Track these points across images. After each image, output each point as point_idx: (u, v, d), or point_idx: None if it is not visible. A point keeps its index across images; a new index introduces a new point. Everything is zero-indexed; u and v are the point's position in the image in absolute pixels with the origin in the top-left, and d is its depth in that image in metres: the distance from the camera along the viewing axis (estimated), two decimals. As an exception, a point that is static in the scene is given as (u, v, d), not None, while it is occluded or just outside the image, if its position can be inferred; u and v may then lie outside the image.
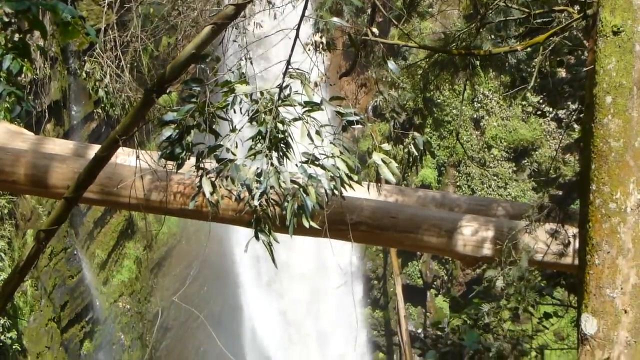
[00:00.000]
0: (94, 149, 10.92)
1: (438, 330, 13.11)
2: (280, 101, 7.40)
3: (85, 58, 26.93)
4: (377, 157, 7.55)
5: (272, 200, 7.38)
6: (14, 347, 25.06)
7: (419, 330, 39.13)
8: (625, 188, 6.74)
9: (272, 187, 7.23)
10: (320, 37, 8.26)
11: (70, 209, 7.96)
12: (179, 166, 7.52)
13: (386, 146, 7.59)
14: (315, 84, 7.51)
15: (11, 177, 10.83)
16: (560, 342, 31.26)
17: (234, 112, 7.52)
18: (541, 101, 35.94)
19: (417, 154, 8.20)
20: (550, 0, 11.03)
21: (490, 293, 11.72)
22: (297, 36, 7.80)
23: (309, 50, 8.10)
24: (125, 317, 32.58)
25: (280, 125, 7.35)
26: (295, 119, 7.44)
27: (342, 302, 38.16)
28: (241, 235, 32.42)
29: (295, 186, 7.38)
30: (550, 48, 9.47)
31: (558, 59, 12.71)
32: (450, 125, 37.27)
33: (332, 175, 7.43)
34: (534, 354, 12.57)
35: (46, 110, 27.81)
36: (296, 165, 7.49)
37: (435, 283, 39.06)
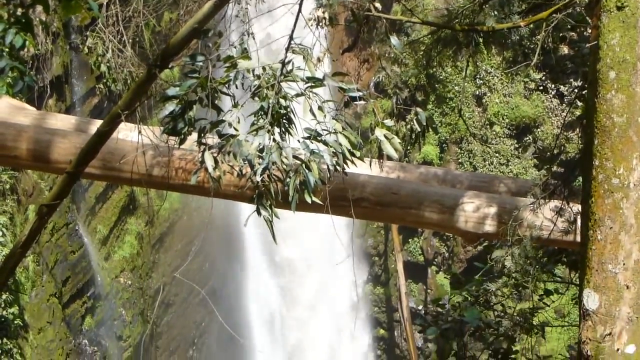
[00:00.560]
0: (96, 124, 10.92)
1: (439, 307, 13.12)
2: (282, 76, 7.38)
3: (87, 33, 26.89)
4: (379, 132, 7.54)
5: (274, 176, 7.37)
6: (15, 322, 25.13)
7: (420, 307, 39.18)
8: (628, 163, 6.73)
9: (274, 162, 7.23)
10: (323, 12, 8.23)
11: (72, 184, 7.97)
12: (181, 141, 7.51)
13: (388, 122, 7.57)
14: (318, 60, 7.48)
15: (13, 152, 10.83)
16: (561, 320, 31.28)
17: (236, 87, 7.50)
18: (544, 78, 35.86)
19: (419, 129, 8.18)
20: (553, -24, 10.99)
21: (492, 271, 11.75)
22: (299, 11, 7.77)
23: (312, 25, 8.07)
24: (126, 293, 32.64)
25: (282, 101, 7.33)
26: (297, 95, 7.43)
27: (344, 278, 38.23)
28: (243, 211, 32.44)
29: (298, 162, 7.37)
30: (553, 24, 9.44)
31: (561, 35, 12.68)
32: (453, 102, 37.20)
33: (335, 151, 7.42)
34: (534, 331, 12.57)
35: (48, 86, 27.79)
36: (298, 141, 7.48)
37: (436, 260, 39.09)
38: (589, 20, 8.03)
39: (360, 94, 7.59)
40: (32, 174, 27.29)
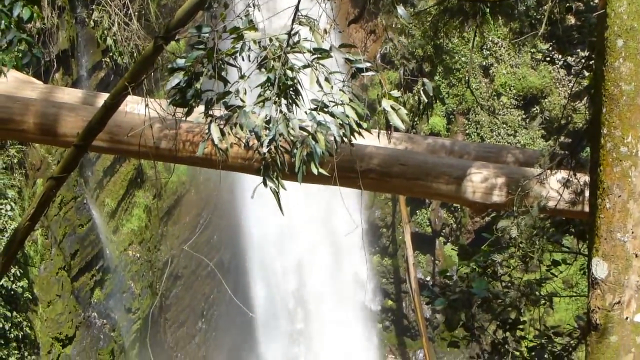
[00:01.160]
0: (103, 97, 10.91)
1: (446, 278, 13.14)
2: (289, 48, 7.37)
3: (93, 7, 26.87)
4: (386, 103, 7.52)
5: (281, 148, 7.37)
6: (24, 295, 25.23)
7: (428, 278, 39.24)
8: (636, 131, 6.72)
9: (281, 134, 7.22)
10: (329, -17, 8.21)
11: (80, 157, 7.98)
12: (188, 113, 7.51)
13: (396, 93, 7.56)
14: (325, 31, 7.45)
15: (21, 126, 10.83)
16: (569, 290, 31.31)
17: (243, 59, 7.49)
18: (550, 48, 35.75)
19: (426, 100, 8.17)
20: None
21: (499, 241, 11.75)
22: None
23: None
24: (135, 266, 32.72)
25: (289, 72, 7.32)
26: (304, 66, 7.41)
27: (351, 249, 38.25)
28: (250, 183, 32.49)
29: (304, 133, 7.36)
30: (560, -6, 9.40)
31: (567, 5, 12.62)
32: (460, 73, 37.11)
33: (342, 122, 7.41)
34: (542, 301, 12.58)
35: (54, 60, 27.78)
36: (305, 112, 7.47)
37: (444, 231, 39.12)
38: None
39: (367, 65, 7.57)
40: (39, 148, 27.32)
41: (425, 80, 8.18)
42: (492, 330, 12.73)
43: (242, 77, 7.40)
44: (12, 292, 24.68)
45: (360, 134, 7.48)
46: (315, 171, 7.33)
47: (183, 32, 8.07)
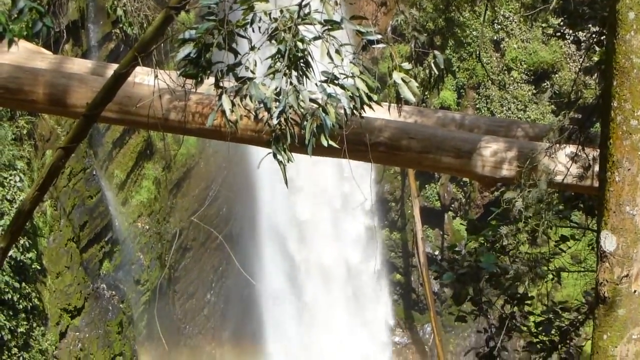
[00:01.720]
0: (113, 68, 10.90)
1: (454, 253, 13.14)
2: (300, 19, 7.34)
3: (103, -23, 26.79)
4: (397, 76, 7.50)
5: (291, 120, 7.36)
6: (33, 266, 25.31)
7: (436, 252, 39.29)
8: (646, 105, 6.70)
9: (290, 106, 7.20)
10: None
11: (89, 127, 7.97)
12: (198, 84, 7.49)
13: (406, 65, 7.53)
14: (336, 3, 7.43)
15: (30, 97, 10.83)
16: (578, 266, 31.31)
17: (253, 30, 7.47)
18: (562, 23, 35.63)
19: (438, 73, 8.14)
20: None
21: (508, 216, 11.73)
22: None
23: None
24: (144, 237, 32.78)
25: (299, 44, 7.29)
26: (315, 38, 7.39)
27: (360, 221, 38.28)
28: (259, 156, 32.48)
29: (315, 105, 7.35)
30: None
31: (579, -21, 12.56)
32: (470, 47, 37.04)
33: (352, 94, 7.39)
34: (550, 276, 12.58)
35: (64, 31, 27.76)
36: (315, 84, 7.45)
37: (453, 205, 39.12)
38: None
39: (378, 37, 7.54)
40: (49, 119, 27.33)
41: (437, 52, 8.15)
42: (499, 304, 12.74)
43: (252, 48, 7.38)
44: (21, 263, 24.76)
45: (370, 106, 7.46)
46: (325, 143, 7.32)
47: (193, 3, 8.05)
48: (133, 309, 32.08)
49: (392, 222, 40.40)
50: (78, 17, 28.81)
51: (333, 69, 7.38)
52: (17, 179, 24.61)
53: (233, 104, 7.30)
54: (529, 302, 12.55)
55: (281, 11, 7.39)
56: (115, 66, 10.34)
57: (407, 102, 7.92)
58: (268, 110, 7.25)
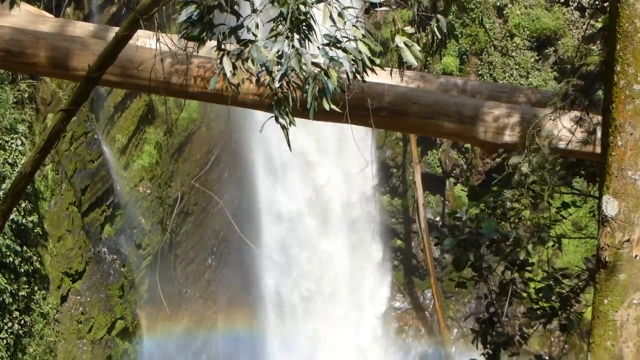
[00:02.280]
0: (114, 31, 10.85)
1: (455, 220, 13.10)
2: (302, -18, 7.30)
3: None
4: (399, 40, 7.47)
5: (293, 83, 7.33)
6: (35, 230, 25.34)
7: (437, 219, 39.32)
8: (650, 69, 6.67)
9: (292, 69, 7.17)
10: None
11: (91, 89, 7.95)
12: (199, 46, 7.46)
13: (409, 29, 7.50)
14: (338, -34, 7.39)
15: (32, 60, 10.80)
16: (578, 232, 31.33)
17: (255, -8, 7.44)
18: (565, -11, 35.58)
19: (440, 37, 8.10)
20: None
21: (510, 182, 11.70)
22: None
23: None
24: (145, 202, 32.81)
25: (302, 7, 7.26)
26: (317, 1, 7.35)
27: (362, 188, 38.31)
28: (261, 120, 32.43)
29: (317, 69, 7.32)
30: None
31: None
32: (473, 12, 36.90)
33: (354, 58, 7.36)
34: (551, 243, 12.57)
35: (66, -6, 27.65)
36: (318, 48, 7.42)
37: (454, 172, 39.12)
38: None
39: (381, 0, 7.50)
40: (50, 82, 27.28)
41: (440, 16, 8.11)
42: (500, 271, 12.74)
43: (254, 11, 7.35)
44: (23, 227, 24.78)
45: (373, 70, 7.44)
46: (327, 107, 7.30)
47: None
48: (134, 273, 32.17)
49: (394, 188, 40.41)
50: (80, -20, 28.72)
51: (335, 32, 7.35)
52: (19, 142, 24.60)
53: (235, 67, 7.27)
54: (529, 268, 12.55)
55: (284, -26, 7.35)
56: (116, 29, 10.31)
57: (409, 67, 7.89)
58: (270, 73, 7.22)
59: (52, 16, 12.71)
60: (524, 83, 35.62)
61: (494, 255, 12.48)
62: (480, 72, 37.11)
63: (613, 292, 6.89)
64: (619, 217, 6.68)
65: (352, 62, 7.34)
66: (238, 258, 37.22)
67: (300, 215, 38.15)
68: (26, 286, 24.99)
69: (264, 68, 7.18)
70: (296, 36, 7.30)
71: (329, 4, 7.23)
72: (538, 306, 12.66)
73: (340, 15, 7.28)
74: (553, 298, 12.61)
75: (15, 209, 22.89)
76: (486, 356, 12.58)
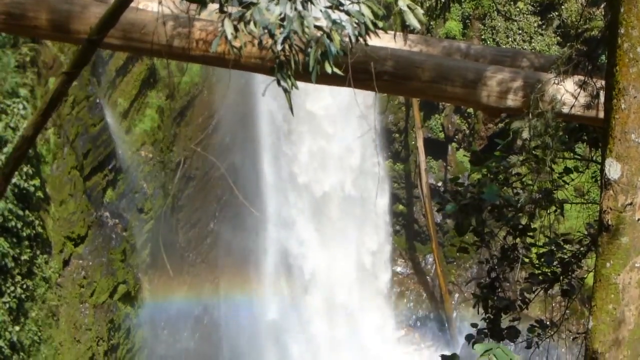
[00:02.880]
0: (116, -6, 10.81)
1: (457, 186, 13.09)
2: (304, -57, 7.25)
3: None
4: (402, 3, 7.43)
5: (295, 46, 7.30)
6: (37, 194, 25.35)
7: (439, 184, 39.37)
8: (653, 31, 6.64)
9: (295, 32, 7.14)
10: None
11: (93, 52, 7.92)
12: (202, 8, 7.43)
13: (412, -8, 7.46)
14: None
15: (33, 22, 10.76)
16: (581, 198, 31.37)
17: (258, -46, 7.39)
18: (570, -47, 35.44)
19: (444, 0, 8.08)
20: None
21: (513, 147, 11.70)
22: None
23: None
24: (147, 166, 32.81)
25: (304, -31, 7.22)
26: (320, -37, 7.31)
27: (364, 153, 38.31)
28: (262, 86, 32.39)
29: (319, 32, 7.28)
30: None
31: None
32: (477, -24, 36.81)
33: (357, 21, 7.33)
34: (553, 208, 12.57)
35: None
36: (320, 10, 7.38)
37: (456, 137, 39.12)
38: None
39: (384, -38, 7.46)
40: (52, 46, 27.21)
41: (443, -22, 8.08)
42: (502, 236, 12.76)
43: (256, -27, 7.31)
44: (25, 191, 24.79)
45: (376, 33, 7.40)
46: (329, 70, 7.27)
47: None
48: (136, 238, 32.22)
49: (396, 153, 40.42)
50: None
51: (338, -5, 7.31)
52: (21, 106, 24.56)
53: (237, 30, 7.24)
54: (531, 233, 12.57)
55: None
56: (118, -8, 10.26)
57: (412, 30, 7.85)
58: (272, 36, 7.19)
59: (53, -21, 12.65)
60: (527, 48, 35.55)
61: (496, 221, 12.49)
62: (483, 37, 37.01)
63: (615, 255, 6.89)
64: (621, 180, 6.67)
65: (354, 25, 7.30)
66: (240, 223, 37.28)
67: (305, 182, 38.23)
68: (28, 250, 25.03)
69: (266, 31, 7.15)
70: (298, -1, 7.27)
71: (332, -34, 7.20)
72: (539, 271, 12.69)
73: (343, -23, 7.25)
74: (555, 263, 12.64)
75: (17, 173, 22.90)
76: (487, 321, 12.63)
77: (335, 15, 7.33)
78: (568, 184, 13.20)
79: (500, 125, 36.10)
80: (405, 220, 40.98)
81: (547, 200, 11.79)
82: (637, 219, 6.76)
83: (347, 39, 7.43)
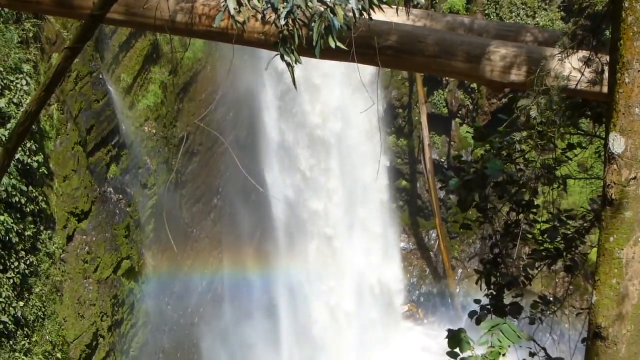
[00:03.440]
0: (119, -32, 10.78)
1: (460, 163, 13.07)
2: None
3: None
4: (406, -23, 7.41)
5: (299, 21, 7.28)
6: (40, 170, 25.34)
7: (443, 159, 39.34)
8: (658, 4, 6.61)
9: (298, 6, 7.13)
10: None
11: (96, 27, 7.90)
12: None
13: (416, -34, 7.44)
14: None
15: (36, -3, 10.75)
16: (584, 173, 31.37)
17: None
18: None
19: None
20: None
21: (516, 123, 11.67)
22: None
23: None
24: (151, 142, 32.79)
25: (308, -56, 7.20)
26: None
27: (367, 127, 38.27)
28: (265, 61, 32.32)
29: (323, 6, 7.27)
30: None
31: None
32: (480, -48, 36.69)
33: (360, -5, 7.31)
34: (556, 184, 12.56)
35: None
36: (323, -15, 7.36)
37: (460, 112, 39.06)
38: None
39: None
40: (55, 22, 27.14)
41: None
42: (505, 211, 12.75)
43: (260, -53, 7.29)
44: (28, 166, 24.78)
45: (379, 7, 7.38)
46: (332, 45, 7.26)
47: None
48: (140, 213, 32.23)
49: (399, 128, 40.39)
50: None
51: (342, -31, 7.29)
52: (24, 82, 24.51)
53: (240, 4, 7.22)
54: (534, 209, 12.56)
55: None
56: (121, -34, 10.23)
57: (415, 5, 7.83)
58: (275, 10, 7.17)
59: (56, -47, 12.61)
60: (530, 22, 35.46)
61: (499, 197, 12.48)
62: (486, 12, 36.90)
63: (619, 229, 6.88)
64: (625, 154, 6.65)
65: (357, 0, 7.29)
66: (244, 198, 37.31)
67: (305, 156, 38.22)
68: (32, 226, 25.04)
69: (269, 5, 7.14)
70: (302, -27, 7.25)
71: (335, -59, 7.17)
72: (543, 247, 12.68)
73: (346, -48, 7.22)
74: (558, 239, 12.63)
75: (20, 148, 22.89)
76: (490, 297, 12.63)
77: (339, -11, 7.32)
78: (571, 159, 13.18)
79: (504, 100, 36.04)
80: (409, 196, 41.00)
81: (550, 176, 11.78)
82: (640, 193, 6.76)
83: (350, 14, 7.41)
